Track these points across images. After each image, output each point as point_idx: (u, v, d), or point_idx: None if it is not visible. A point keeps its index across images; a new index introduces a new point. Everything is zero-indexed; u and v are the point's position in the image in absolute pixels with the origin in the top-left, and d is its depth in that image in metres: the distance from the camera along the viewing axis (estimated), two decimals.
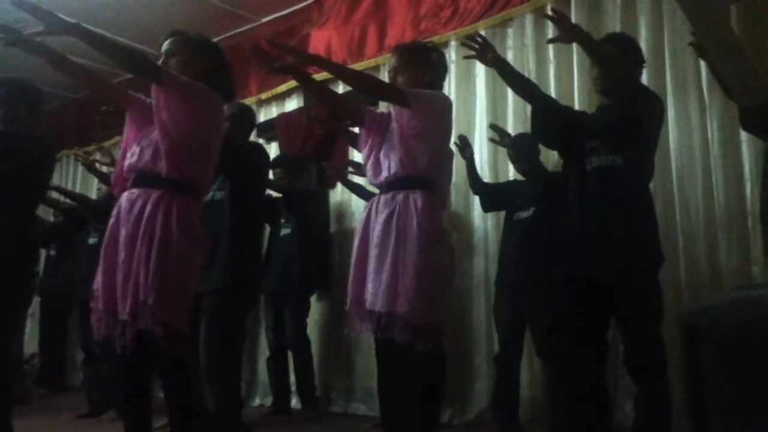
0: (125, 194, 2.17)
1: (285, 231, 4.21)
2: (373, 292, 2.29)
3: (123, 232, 2.10)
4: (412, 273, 2.22)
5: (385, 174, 2.41)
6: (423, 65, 2.49)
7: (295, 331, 4.10)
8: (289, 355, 4.19)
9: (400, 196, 2.32)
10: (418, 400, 2.37)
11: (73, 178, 6.90)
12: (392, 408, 2.50)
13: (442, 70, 2.58)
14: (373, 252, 2.34)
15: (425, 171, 2.34)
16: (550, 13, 2.33)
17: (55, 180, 6.82)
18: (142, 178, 2.17)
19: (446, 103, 2.49)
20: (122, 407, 3.87)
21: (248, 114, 3.41)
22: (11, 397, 2.88)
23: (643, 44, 3.30)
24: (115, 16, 5.06)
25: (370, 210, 2.44)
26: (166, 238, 2.05)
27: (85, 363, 4.58)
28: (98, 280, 2.16)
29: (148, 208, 2.07)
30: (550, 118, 2.54)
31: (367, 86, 2.51)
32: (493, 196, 3.54)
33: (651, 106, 2.40)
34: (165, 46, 2.32)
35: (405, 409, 2.38)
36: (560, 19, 2.26)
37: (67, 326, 5.39)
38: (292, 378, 4.21)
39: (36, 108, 2.95)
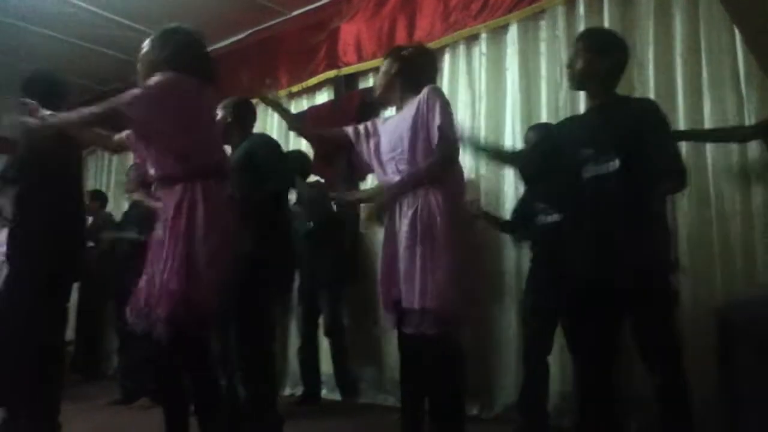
0: (160, 194, 2.30)
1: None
2: (406, 291, 2.36)
3: (160, 231, 2.22)
4: (440, 268, 2.28)
5: (398, 177, 2.47)
6: (392, 60, 2.60)
7: (332, 319, 4.19)
8: (318, 345, 4.26)
9: (420, 193, 2.39)
10: (454, 389, 2.42)
11: (108, 169, 6.97)
12: (413, 400, 2.55)
13: (414, 61, 2.59)
14: (402, 252, 2.40)
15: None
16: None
17: (91, 171, 6.95)
18: (164, 180, 2.28)
19: (443, 99, 2.45)
20: (155, 395, 3.97)
21: (243, 108, 3.29)
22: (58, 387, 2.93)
23: (679, 38, 3.26)
24: (146, 7, 5.11)
25: (394, 209, 2.49)
26: (193, 229, 2.15)
27: (119, 351, 4.67)
28: (143, 276, 2.26)
29: (173, 207, 2.19)
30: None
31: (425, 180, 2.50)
32: (523, 226, 3.46)
33: (642, 108, 2.34)
34: None
35: (440, 399, 2.43)
36: None
37: (104, 315, 5.51)
38: (323, 368, 4.27)
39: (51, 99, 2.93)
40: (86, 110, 2.31)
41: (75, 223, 3.07)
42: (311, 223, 4.21)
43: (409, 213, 2.39)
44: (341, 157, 3.34)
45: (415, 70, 2.56)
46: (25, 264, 2.82)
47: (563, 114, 3.66)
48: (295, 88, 5.18)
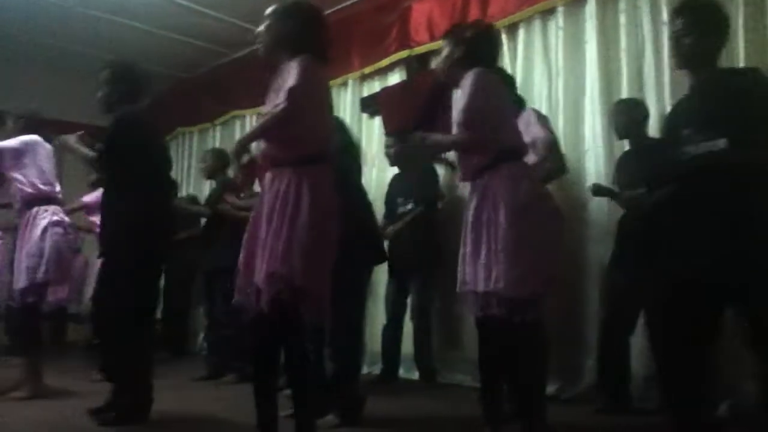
0: (267, 174, 2.34)
1: (403, 209, 4.32)
2: (472, 274, 2.45)
3: (266, 209, 2.26)
4: (503, 249, 2.33)
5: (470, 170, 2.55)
6: (455, 43, 2.62)
7: (420, 302, 4.25)
8: (403, 325, 4.32)
9: (486, 176, 2.44)
10: (532, 371, 2.40)
11: (189, 155, 7.20)
12: (492, 381, 2.56)
13: (478, 44, 2.61)
14: (469, 235, 2.48)
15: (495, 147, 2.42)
16: None
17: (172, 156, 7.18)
18: (275, 160, 2.32)
19: (478, 84, 2.47)
20: (241, 372, 4.11)
21: None
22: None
23: None
24: None
25: (470, 195, 2.55)
26: (297, 214, 2.19)
27: (207, 329, 4.84)
28: (243, 251, 2.32)
29: (282, 186, 2.23)
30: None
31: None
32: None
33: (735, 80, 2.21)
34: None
35: (518, 381, 2.43)
36: None
37: (191, 293, 5.74)
38: (403, 348, 4.33)
39: (134, 91, 3.10)
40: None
41: (166, 203, 3.22)
42: (410, 206, 4.27)
43: (474, 199, 2.45)
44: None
45: (478, 52, 2.59)
46: (123, 240, 2.95)
47: (647, 87, 3.53)
48: (367, 70, 5.20)
